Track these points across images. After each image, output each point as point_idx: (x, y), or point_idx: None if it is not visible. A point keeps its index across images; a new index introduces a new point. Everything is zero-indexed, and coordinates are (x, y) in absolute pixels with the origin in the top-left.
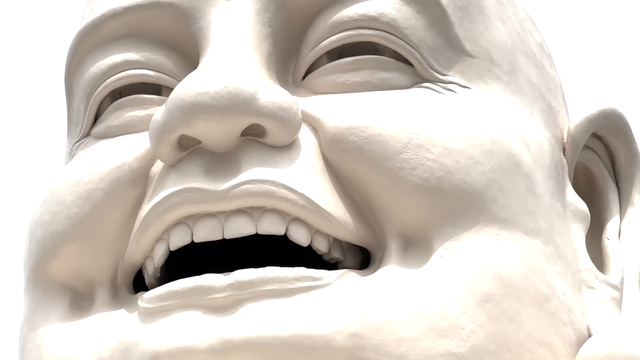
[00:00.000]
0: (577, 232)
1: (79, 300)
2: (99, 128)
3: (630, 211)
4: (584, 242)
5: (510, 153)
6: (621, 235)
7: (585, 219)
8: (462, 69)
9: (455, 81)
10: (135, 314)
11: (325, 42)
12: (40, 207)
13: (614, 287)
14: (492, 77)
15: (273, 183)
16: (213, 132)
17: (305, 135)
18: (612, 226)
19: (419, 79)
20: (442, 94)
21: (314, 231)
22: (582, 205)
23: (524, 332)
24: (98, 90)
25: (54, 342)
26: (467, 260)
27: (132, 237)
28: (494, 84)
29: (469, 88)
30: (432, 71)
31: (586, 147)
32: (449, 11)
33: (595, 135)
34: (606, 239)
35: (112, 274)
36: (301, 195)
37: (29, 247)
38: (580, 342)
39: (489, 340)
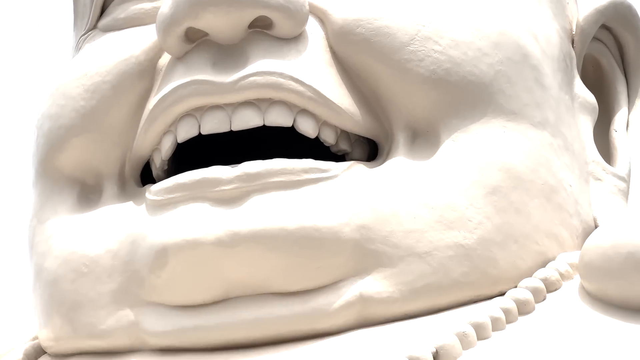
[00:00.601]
0: (585, 124)
1: (87, 192)
2: (105, 21)
3: (639, 103)
4: (591, 135)
5: (518, 45)
6: (629, 127)
7: (593, 111)
8: None
9: None
10: (143, 206)
11: None
12: (47, 101)
13: (621, 178)
14: None
15: (280, 75)
16: (221, 24)
17: (313, 28)
18: (620, 118)
19: None
20: None
21: (322, 123)
22: (590, 98)
23: (530, 224)
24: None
25: (63, 234)
26: (474, 152)
27: (139, 129)
28: None
29: None
30: None
31: (595, 38)
32: None
33: (604, 27)
34: (614, 131)
35: (120, 167)
36: (309, 87)
37: (36, 140)
38: (586, 234)
39: (496, 232)
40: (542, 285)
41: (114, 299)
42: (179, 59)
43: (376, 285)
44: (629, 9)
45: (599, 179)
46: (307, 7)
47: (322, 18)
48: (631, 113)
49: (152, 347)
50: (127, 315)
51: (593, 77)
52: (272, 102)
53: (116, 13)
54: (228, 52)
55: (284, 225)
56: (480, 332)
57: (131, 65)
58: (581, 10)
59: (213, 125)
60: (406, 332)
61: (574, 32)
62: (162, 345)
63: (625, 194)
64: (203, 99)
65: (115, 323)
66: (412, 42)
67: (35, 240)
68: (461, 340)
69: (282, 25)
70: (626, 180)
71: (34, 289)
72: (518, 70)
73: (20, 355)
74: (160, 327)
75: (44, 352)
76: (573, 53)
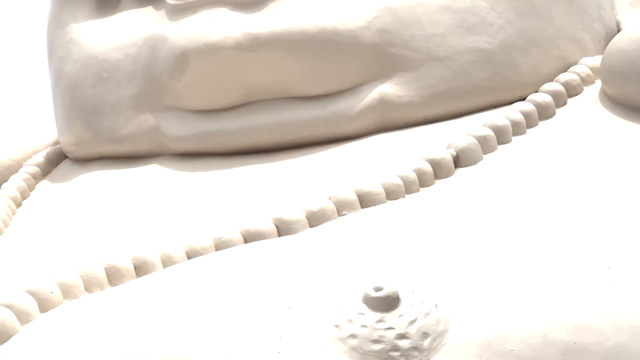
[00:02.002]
0: None
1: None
2: None
3: None
4: None
5: None
6: None
7: None
8: None
9: None
10: (163, 10)
11: None
12: None
13: None
14: None
15: None
16: None
17: None
18: None
19: None
20: None
21: None
22: None
23: (553, 28)
24: None
25: (82, 39)
26: None
27: None
28: None
29: None
30: None
31: None
32: None
33: None
34: None
35: None
36: None
37: None
38: (609, 38)
39: (517, 36)
40: (563, 90)
41: (134, 104)
42: None
43: (397, 89)
44: None
45: None
46: None
47: None
48: None
49: (173, 151)
50: (147, 120)
51: None
52: None
53: None
54: None
55: (304, 28)
56: (501, 136)
57: None
58: None
59: None
60: (426, 135)
61: None
62: (182, 150)
63: None
64: None
65: (136, 127)
66: None
67: (54, 45)
68: (481, 144)
69: None
70: None
71: (54, 95)
72: None
73: (42, 159)
74: (181, 131)
75: (65, 157)
76: None
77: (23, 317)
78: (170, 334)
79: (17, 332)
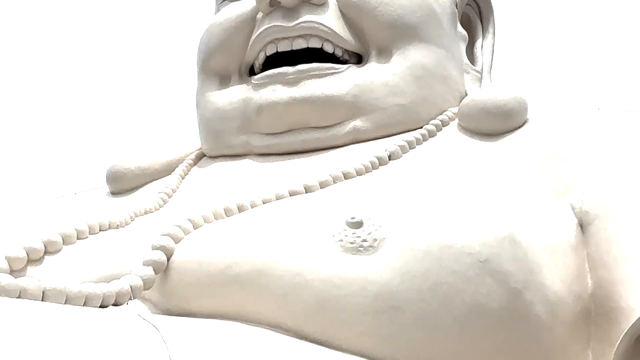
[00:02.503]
0: (462, 46)
1: (223, 80)
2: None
3: (487, 35)
4: (464, 51)
5: (431, 6)
6: (482, 47)
7: (465, 39)
8: None
9: None
10: (250, 85)
11: None
12: (204, 34)
13: (478, 72)
14: None
15: (316, 22)
16: (287, 0)
17: None
18: (478, 43)
19: None
20: None
21: (335, 46)
22: (464, 32)
23: (436, 94)
24: None
25: (212, 99)
26: (408, 58)
27: (248, 49)
28: None
29: None
30: None
31: (467, 4)
32: None
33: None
34: (475, 49)
35: (239, 67)
36: (329, 28)
37: (198, 54)
38: (462, 98)
39: (418, 98)
40: (440, 123)
41: (237, 130)
42: (266, 14)
43: (362, 123)
44: None
45: (468, 72)
46: None
47: None
48: (484, 41)
49: (255, 153)
50: (244, 138)
51: (465, 22)
52: (311, 36)
53: None
54: (290, 12)
55: (316, 95)
56: (410, 145)
57: (244, 17)
58: None
59: (283, 47)
60: (376, 146)
61: (457, 0)
62: (259, 152)
63: (479, 80)
64: (278, 34)
65: (237, 141)
66: (379, 5)
67: (199, 102)
68: (401, 149)
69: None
70: (480, 73)
71: (199, 125)
72: (430, 19)
73: (194, 156)
74: (259, 143)
75: (204, 156)
76: (456, 10)
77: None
78: None
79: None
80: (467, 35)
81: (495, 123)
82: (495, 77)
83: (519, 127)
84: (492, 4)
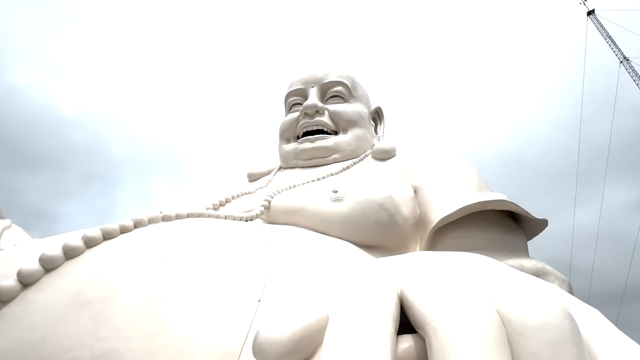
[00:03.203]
0: (372, 128)
1: (288, 141)
2: (290, 110)
3: (381, 124)
4: (373, 129)
5: (362, 114)
6: (381, 128)
7: (373, 125)
8: (354, 99)
9: (352, 101)
10: (298, 142)
11: (328, 95)
12: (280, 125)
13: (379, 137)
14: (359, 100)
15: (321, 120)
16: (310, 111)
17: (326, 111)
18: (379, 126)
19: (345, 100)
20: (351, 103)
21: (328, 128)
22: (372, 123)
23: (362, 145)
24: (289, 103)
25: (284, 148)
26: (354, 133)
27: (296, 129)
28: (359, 102)
29: (355, 102)
30: (349, 100)
31: (375, 112)
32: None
33: (376, 111)
34: (378, 129)
35: (294, 135)
36: (326, 123)
37: (279, 131)
38: (372, 147)
39: (358, 146)
40: (365, 155)
41: (292, 158)
42: (303, 117)
43: (338, 156)
44: (380, 108)
45: (374, 137)
46: (324, 108)
47: (327, 110)
48: (380, 125)
49: (299, 166)
50: (294, 161)
51: (374, 118)
52: (320, 124)
53: (292, 110)
54: (311, 116)
55: (321, 146)
56: (353, 164)
57: (295, 118)
58: (373, 105)
59: (309, 129)
60: (343, 164)
61: (371, 110)
62: (302, 166)
63: (379, 140)
64: (307, 125)
65: (293, 162)
66: (343, 115)
67: (280, 148)
68: (349, 167)
69: (320, 112)
70: (379, 137)
71: (279, 156)
72: (362, 118)
73: (277, 167)
74: (301, 163)
75: (281, 167)
76: (370, 114)
77: None
78: None
79: None
80: (374, 124)
81: (384, 155)
82: (385, 138)
83: (393, 156)
84: (383, 112)
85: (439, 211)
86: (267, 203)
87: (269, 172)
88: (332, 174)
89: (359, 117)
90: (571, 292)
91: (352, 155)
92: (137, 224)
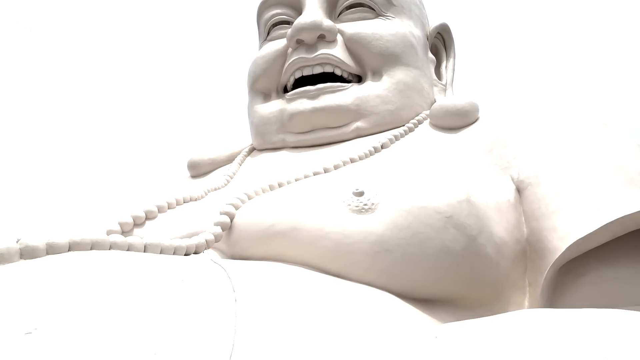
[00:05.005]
0: (431, 67)
1: (266, 96)
2: (269, 37)
3: (449, 59)
4: (433, 70)
5: (409, 40)
6: (446, 67)
7: (433, 61)
8: (393, 11)
9: (390, 16)
10: (285, 100)
11: (344, 4)
12: (252, 64)
13: (443, 85)
14: (403, 14)
15: (329, 54)
16: (308, 36)
17: (339, 36)
18: (443, 64)
19: (377, 14)
20: (386, 20)
21: (342, 70)
22: (433, 57)
23: (413, 102)
24: (268, 24)
25: (258, 109)
26: (394, 77)
27: (282, 74)
28: (404, 16)
29: (395, 18)
30: (382, 11)
31: (435, 37)
32: None
33: (438, 33)
34: (441, 69)
35: (277, 86)
36: (339, 58)
37: (248, 78)
38: (432, 104)
39: (402, 105)
40: (417, 122)
41: (276, 130)
42: (294, 49)
43: (362, 124)
44: (447, 26)
45: (436, 86)
46: (336, 29)
47: (342, 33)
48: (447, 62)
49: (289, 146)
50: (281, 135)
51: (434, 50)
52: (326, 63)
53: (272, 35)
54: (310, 46)
55: (330, 105)
56: (396, 138)
57: (278, 51)
58: (431, 26)
59: (306, 72)
60: (372, 140)
61: (428, 33)
62: (292, 146)
63: (444, 91)
64: (303, 63)
65: (276, 139)
66: (375, 40)
67: (250, 112)
68: (390, 141)
69: (328, 36)
70: (445, 86)
71: (250, 128)
72: (409, 49)
73: (247, 150)
74: (292, 139)
75: (254, 149)
76: (427, 41)
77: None
78: None
79: None
80: (435, 59)
81: (456, 121)
82: (455, 89)
83: (472, 123)
84: (453, 37)
85: (570, 228)
86: (226, 219)
87: (230, 159)
88: (352, 161)
89: (405, 46)
90: None
91: (391, 121)
92: None
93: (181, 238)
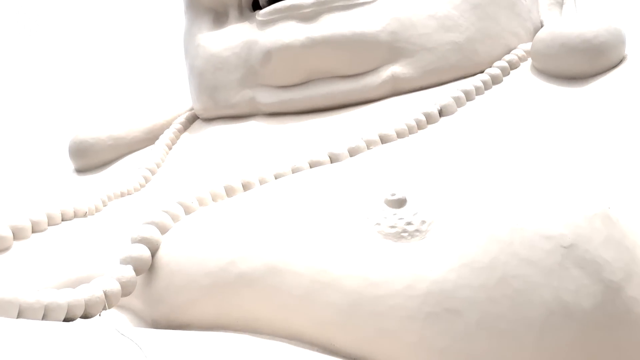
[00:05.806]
0: None
1: (219, 17)
2: None
3: None
4: None
5: None
6: None
7: None
8: None
9: None
10: (255, 24)
11: None
12: None
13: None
14: None
15: None
16: None
17: None
18: None
19: None
20: None
21: None
22: None
23: (500, 27)
24: None
25: (205, 43)
26: None
27: None
28: None
29: None
30: None
31: None
32: None
33: None
34: None
35: None
36: None
37: None
38: (536, 31)
39: (477, 33)
40: (507, 65)
41: (239, 84)
42: None
43: (402, 69)
44: None
45: None
46: None
47: None
48: None
49: (264, 112)
50: (248, 93)
51: None
52: None
53: None
54: None
55: (342, 33)
56: (468, 96)
57: None
58: None
59: None
60: (422, 98)
61: None
62: (269, 112)
63: (561, 5)
64: None
65: (240, 98)
66: None
67: (188, 48)
68: (456, 102)
69: None
70: None
71: (189, 79)
72: None
73: (184, 119)
74: (268, 99)
75: (197, 118)
76: None
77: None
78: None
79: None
80: None
81: (583, 62)
82: (581, 2)
83: (614, 66)
84: None
85: None
86: (143, 252)
87: (149, 137)
88: (383, 140)
89: None
90: None
91: (457, 64)
92: None
93: (58, 288)
